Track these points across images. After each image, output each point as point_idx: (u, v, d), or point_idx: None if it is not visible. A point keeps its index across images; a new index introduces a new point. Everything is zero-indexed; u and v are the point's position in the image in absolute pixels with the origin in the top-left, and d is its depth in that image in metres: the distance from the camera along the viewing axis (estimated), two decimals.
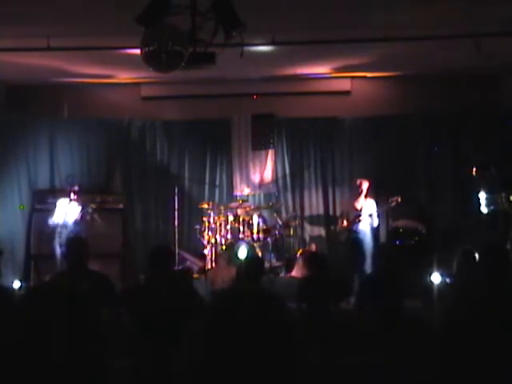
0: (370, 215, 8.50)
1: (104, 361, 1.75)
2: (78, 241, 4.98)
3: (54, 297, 1.75)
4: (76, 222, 8.21)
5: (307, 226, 9.93)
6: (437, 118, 9.56)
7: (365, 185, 8.65)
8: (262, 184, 9.91)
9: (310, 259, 5.78)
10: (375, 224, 8.59)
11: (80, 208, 8.30)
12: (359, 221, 8.52)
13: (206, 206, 9.16)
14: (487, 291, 3.39)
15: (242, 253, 8.50)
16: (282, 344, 1.58)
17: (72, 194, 8.26)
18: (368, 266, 8.17)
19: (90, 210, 8.44)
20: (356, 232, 8.56)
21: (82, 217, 8.26)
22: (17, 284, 7.90)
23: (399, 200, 8.44)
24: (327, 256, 8.41)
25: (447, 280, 7.61)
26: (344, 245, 8.94)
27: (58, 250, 8.15)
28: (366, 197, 8.68)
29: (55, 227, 8.21)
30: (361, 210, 8.57)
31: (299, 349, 1.61)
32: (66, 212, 8.22)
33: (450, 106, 9.40)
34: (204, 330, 1.58)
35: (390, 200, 8.51)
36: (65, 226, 8.19)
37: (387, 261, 5.56)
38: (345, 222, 8.69)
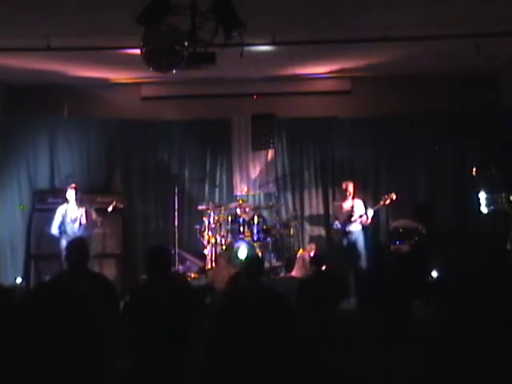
0: (361, 216, 8.57)
1: (104, 361, 1.75)
2: (78, 242, 4.97)
3: (54, 296, 1.75)
4: (80, 223, 8.17)
5: (307, 226, 9.93)
6: (437, 118, 9.56)
7: (350, 187, 8.79)
8: (261, 184, 9.91)
9: (315, 258, 5.78)
10: (367, 223, 8.64)
11: (81, 208, 8.25)
12: (350, 222, 8.60)
13: (205, 207, 9.18)
14: (487, 291, 3.39)
15: (242, 253, 8.50)
16: (286, 343, 1.58)
17: (71, 194, 8.21)
18: (363, 266, 8.22)
19: (92, 210, 8.42)
20: (348, 233, 8.63)
21: (85, 217, 8.23)
22: (19, 280, 8.15)
23: (394, 197, 8.49)
24: (329, 256, 8.48)
25: (446, 280, 7.64)
26: (338, 245, 9.01)
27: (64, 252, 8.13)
28: (353, 198, 8.77)
29: (57, 232, 8.16)
30: (351, 211, 8.65)
31: (302, 347, 1.61)
32: (68, 214, 8.18)
33: (450, 106, 9.40)
34: (212, 330, 1.58)
35: (383, 198, 8.59)
36: (70, 227, 8.14)
37: (386, 260, 5.55)
38: (337, 224, 8.79)
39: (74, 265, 4.51)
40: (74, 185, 8.28)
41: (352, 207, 8.70)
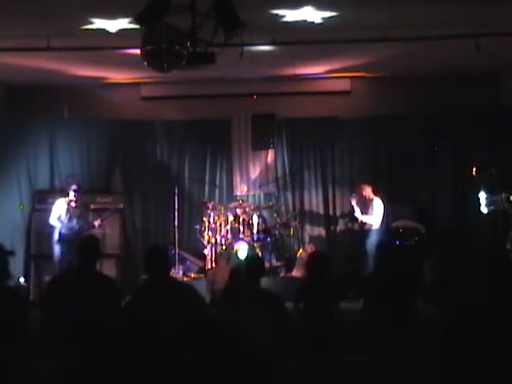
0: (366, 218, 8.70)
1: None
2: (91, 240, 4.91)
3: None
4: (77, 222, 8.21)
5: (307, 226, 9.93)
6: (437, 118, 9.55)
7: (364, 191, 8.82)
8: (261, 184, 9.91)
9: (312, 259, 5.76)
10: (375, 226, 8.67)
11: (79, 207, 8.29)
12: (362, 223, 8.72)
13: (206, 206, 9.20)
14: (487, 293, 3.39)
15: (242, 253, 8.50)
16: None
17: (71, 194, 8.25)
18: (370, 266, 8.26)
19: (89, 211, 8.46)
20: (364, 233, 8.71)
21: (82, 216, 8.28)
22: (22, 280, 8.32)
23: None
24: (328, 255, 8.49)
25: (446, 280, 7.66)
26: (349, 245, 9.17)
27: (56, 249, 8.15)
28: (372, 198, 8.81)
29: (54, 226, 8.23)
30: (367, 211, 8.73)
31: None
32: (65, 211, 8.22)
33: (450, 105, 9.40)
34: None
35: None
36: (65, 225, 8.18)
37: (389, 261, 5.55)
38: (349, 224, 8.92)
39: (85, 264, 4.50)
40: (74, 186, 8.30)
41: (370, 208, 8.80)
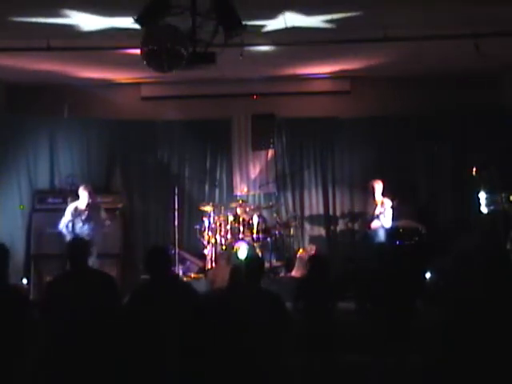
0: (378, 216, 8.59)
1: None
2: (78, 241, 4.96)
3: None
4: (90, 223, 8.12)
5: (307, 226, 9.94)
6: (436, 118, 9.56)
7: (376, 185, 8.76)
8: (261, 184, 9.91)
9: (312, 261, 5.77)
10: (386, 224, 8.62)
11: (92, 208, 8.20)
12: (372, 220, 8.72)
13: (206, 208, 9.17)
14: (487, 293, 3.39)
15: (242, 253, 8.51)
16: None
17: (85, 195, 8.14)
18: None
19: (102, 210, 8.38)
20: (370, 231, 8.71)
21: (96, 218, 8.19)
22: (24, 281, 8.34)
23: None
24: (327, 256, 8.51)
25: (445, 280, 7.66)
26: (349, 245, 9.23)
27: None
28: (382, 196, 8.78)
29: (64, 229, 8.12)
30: (375, 209, 8.71)
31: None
32: (78, 213, 8.12)
33: (450, 106, 9.40)
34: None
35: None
36: (74, 233, 8.09)
37: (389, 261, 5.56)
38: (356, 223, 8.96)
39: (76, 264, 4.52)
40: (89, 187, 8.23)
41: (378, 206, 8.73)
